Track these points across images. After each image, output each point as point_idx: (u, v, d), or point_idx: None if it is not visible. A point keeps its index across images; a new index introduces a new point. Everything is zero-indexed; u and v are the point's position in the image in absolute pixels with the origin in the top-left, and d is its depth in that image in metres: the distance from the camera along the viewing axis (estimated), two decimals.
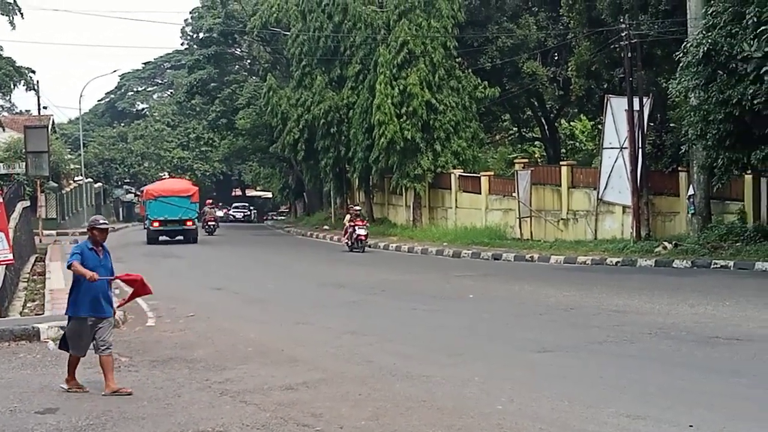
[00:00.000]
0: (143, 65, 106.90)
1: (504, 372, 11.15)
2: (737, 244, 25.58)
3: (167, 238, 43.60)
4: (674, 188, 29.93)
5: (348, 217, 37.42)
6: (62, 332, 10.84)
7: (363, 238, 35.57)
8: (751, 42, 21.45)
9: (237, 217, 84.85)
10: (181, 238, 43.97)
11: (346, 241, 36.48)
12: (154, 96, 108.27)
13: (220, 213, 76.10)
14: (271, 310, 18.44)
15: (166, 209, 43.77)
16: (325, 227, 51.62)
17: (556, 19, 41.26)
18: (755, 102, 21.25)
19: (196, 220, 45.24)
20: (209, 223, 52.78)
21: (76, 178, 68.92)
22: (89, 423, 9.09)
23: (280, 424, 8.78)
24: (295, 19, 48.11)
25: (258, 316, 17.70)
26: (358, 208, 38.92)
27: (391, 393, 10.03)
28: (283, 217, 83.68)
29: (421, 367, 11.46)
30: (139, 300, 20.01)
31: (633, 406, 9.06)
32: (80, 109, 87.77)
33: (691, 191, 27.86)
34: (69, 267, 10.63)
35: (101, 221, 11.00)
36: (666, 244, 27.35)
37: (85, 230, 11.84)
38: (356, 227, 35.50)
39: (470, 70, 42.61)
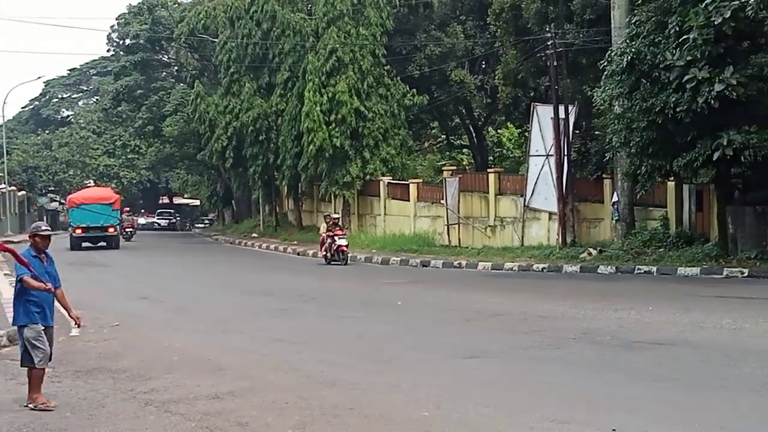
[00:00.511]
0: (68, 72, 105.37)
1: (431, 378, 11.17)
2: (660, 249, 26.02)
3: (90, 244, 45.29)
4: (599, 195, 30.34)
5: (324, 226, 34.25)
6: (23, 346, 10.37)
7: (344, 249, 32.41)
8: (674, 51, 21.83)
9: (162, 224, 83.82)
10: (103, 244, 45.59)
11: (324, 253, 33.00)
12: (80, 103, 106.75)
13: (142, 220, 76.08)
14: (198, 319, 18.27)
15: (88, 216, 45.05)
16: (254, 235, 51.40)
17: (484, 28, 41.57)
18: (677, 110, 21.62)
19: (118, 226, 47.20)
20: (127, 229, 55.26)
21: None
22: None
23: None
24: (223, 26, 47.87)
25: (184, 325, 17.53)
26: (336, 216, 35.90)
27: (318, 401, 9.99)
28: (205, 225, 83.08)
29: (349, 375, 11.45)
30: (62, 310, 19.74)
31: (557, 410, 9.14)
32: (3, 116, 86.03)
33: (615, 198, 28.26)
34: (19, 281, 10.40)
35: (43, 228, 10.87)
36: (591, 250, 27.71)
37: (27, 238, 11.61)
38: (336, 237, 32.40)
39: (399, 78, 42.76)
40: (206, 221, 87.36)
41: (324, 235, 33.34)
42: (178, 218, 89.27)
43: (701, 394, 9.73)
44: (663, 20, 22.88)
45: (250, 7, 45.68)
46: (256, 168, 47.43)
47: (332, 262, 32.31)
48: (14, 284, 10.49)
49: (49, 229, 11.05)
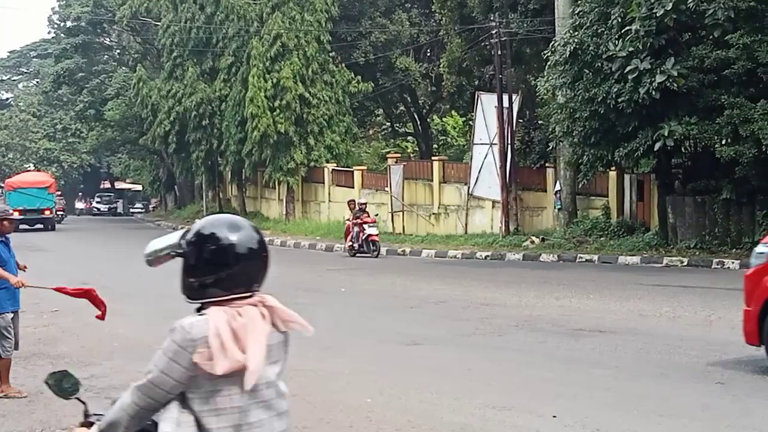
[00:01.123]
0: (8, 54, 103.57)
1: (373, 365, 11.20)
2: (601, 238, 26.30)
3: (27, 227, 45.94)
4: (542, 184, 30.58)
5: (348, 213, 30.76)
6: None
7: (375, 238, 29.06)
8: (616, 42, 22.06)
9: (101, 209, 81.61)
10: (40, 226, 47.62)
11: (350, 243, 29.53)
12: (20, 85, 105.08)
13: (81, 205, 75.24)
14: (140, 305, 18.11)
15: (24, 199, 47.32)
16: (197, 220, 51.09)
17: (429, 16, 41.69)
18: (619, 100, 21.85)
19: (53, 209, 49.95)
20: (58, 212, 56.28)
21: None
22: None
23: None
24: (166, 10, 47.39)
25: (126, 310, 17.33)
26: (363, 201, 31.20)
27: None
28: (140, 210, 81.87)
29: (292, 361, 11.39)
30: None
31: (499, 397, 9.21)
32: None
33: (557, 187, 28.51)
34: None
35: (10, 211, 10.51)
36: (533, 238, 27.92)
37: None
38: (365, 225, 29.03)
39: (344, 65, 42.71)
40: (140, 206, 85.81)
41: (349, 223, 29.84)
42: (119, 202, 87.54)
43: (641, 381, 9.86)
44: (606, 11, 23.10)
45: None
46: (199, 153, 47.11)
47: (359, 254, 29.10)
48: None
49: (13, 212, 10.72)
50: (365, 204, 30.81)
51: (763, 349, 10.06)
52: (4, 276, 9.93)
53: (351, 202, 31.23)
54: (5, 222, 10.32)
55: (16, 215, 10.51)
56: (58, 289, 10.14)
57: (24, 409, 9.27)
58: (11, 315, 10.14)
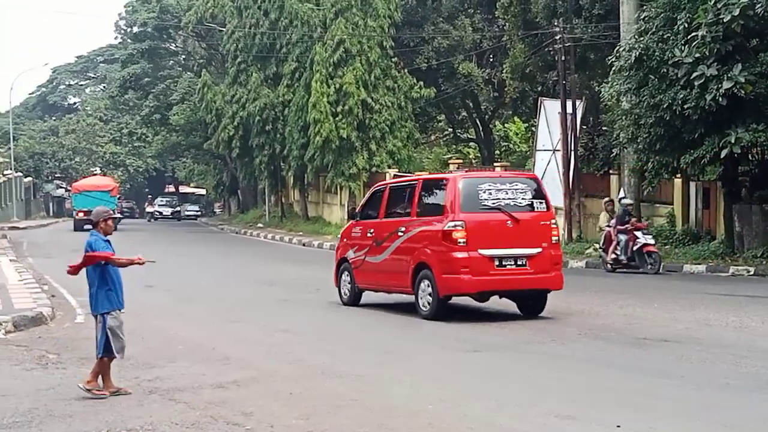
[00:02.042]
0: (76, 59, 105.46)
1: (433, 371, 11.17)
2: (666, 246, 26.00)
3: (90, 227, 46.04)
4: (605, 191, 30.30)
5: (605, 216, 25.82)
6: (105, 335, 10.09)
7: (652, 249, 23.87)
8: (682, 47, 21.81)
9: (163, 213, 78.32)
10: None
11: (613, 255, 24.57)
12: (87, 90, 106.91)
13: (151, 209, 75.42)
14: (204, 308, 18.29)
15: (89, 201, 48.33)
16: (260, 225, 51.47)
17: (492, 21, 41.59)
18: (685, 107, 21.60)
19: (114, 212, 50.65)
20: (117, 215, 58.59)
21: (5, 172, 67.72)
22: (15, 420, 8.92)
23: (210, 423, 8.70)
24: (231, 15, 47.87)
25: (190, 313, 17.56)
26: (629, 201, 25.51)
27: (321, 391, 10.01)
28: (195, 213, 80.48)
29: (353, 366, 11.45)
30: (68, 296, 19.82)
31: (561, 406, 9.14)
32: (10, 102, 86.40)
33: (621, 194, 28.21)
34: (104, 264, 10.17)
35: (111, 212, 10.78)
36: (597, 245, 27.66)
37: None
38: (637, 233, 23.99)
39: (406, 70, 42.77)
40: (196, 209, 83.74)
41: (610, 229, 24.87)
42: (182, 206, 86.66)
43: (706, 391, 9.72)
44: (672, 17, 22.85)
45: None
46: (262, 158, 47.49)
47: (625, 269, 24.38)
48: (89, 272, 10.27)
49: (117, 213, 10.96)
50: (631, 205, 25.67)
51: None
52: (120, 262, 10.13)
53: (609, 203, 26.37)
54: (109, 222, 10.50)
55: (117, 215, 10.72)
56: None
57: (90, 410, 9.39)
58: (121, 315, 10.31)
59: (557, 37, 29.71)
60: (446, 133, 58.27)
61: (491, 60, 44.67)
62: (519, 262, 15.37)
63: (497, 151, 51.98)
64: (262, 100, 45.58)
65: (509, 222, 15.21)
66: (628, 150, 26.21)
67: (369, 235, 17.50)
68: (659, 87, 22.80)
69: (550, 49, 31.15)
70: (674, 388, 9.90)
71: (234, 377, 10.82)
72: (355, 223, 18.34)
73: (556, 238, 15.93)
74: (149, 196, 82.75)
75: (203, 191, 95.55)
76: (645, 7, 24.74)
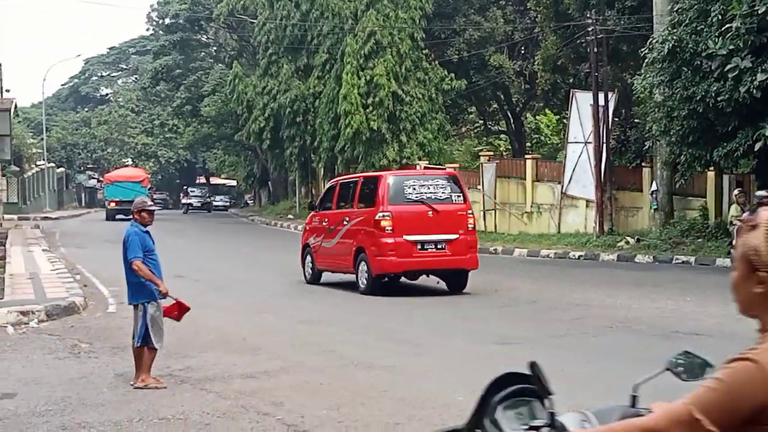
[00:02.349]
0: (108, 50, 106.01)
1: (464, 363, 11.16)
2: (698, 240, 25.79)
3: (122, 216, 47.52)
4: (637, 183, 30.13)
5: (735, 207, 21.90)
6: (144, 324, 10.12)
7: None
8: (716, 39, 21.60)
9: (193, 204, 73.67)
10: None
11: None
12: (119, 81, 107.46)
13: (186, 200, 74.47)
14: (234, 299, 18.37)
15: (120, 192, 52.19)
16: (290, 216, 51.51)
17: (524, 13, 41.40)
18: (719, 99, 21.40)
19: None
20: None
21: (38, 163, 68.28)
22: (48, 409, 9.00)
23: (241, 413, 8.74)
24: (262, 7, 47.96)
25: (220, 304, 17.62)
26: (764, 194, 20.04)
27: (352, 382, 10.02)
28: (224, 205, 77.96)
29: (382, 358, 11.46)
30: (100, 286, 19.95)
31: (593, 399, 9.07)
32: (43, 93, 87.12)
33: (654, 187, 28.05)
34: (130, 266, 10.21)
35: (149, 203, 10.77)
36: (628, 238, 27.54)
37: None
38: None
39: (437, 62, 42.69)
40: (224, 200, 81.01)
41: (743, 224, 22.28)
42: (212, 197, 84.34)
43: None
44: (705, 8, 22.63)
45: None
46: (292, 150, 47.57)
47: None
48: (126, 263, 10.33)
49: (153, 204, 10.98)
50: (767, 197, 21.75)
51: None
52: (150, 278, 10.14)
53: (740, 195, 22.59)
54: (144, 213, 10.51)
55: (154, 207, 10.73)
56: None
57: (122, 398, 9.46)
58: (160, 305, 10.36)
59: (589, 29, 29.52)
60: (477, 125, 58.13)
61: (523, 52, 44.50)
62: (438, 246, 18.14)
63: (528, 144, 51.79)
64: (292, 91, 45.67)
65: (430, 212, 17.96)
66: (661, 142, 26.04)
67: (324, 224, 20.48)
68: (692, 79, 22.60)
69: (582, 40, 30.95)
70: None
71: (264, 367, 10.86)
72: (315, 214, 21.47)
73: (472, 225, 18.62)
74: (184, 187, 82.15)
75: (234, 182, 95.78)
76: None
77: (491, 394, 3.00)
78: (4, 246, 30.14)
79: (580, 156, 31.07)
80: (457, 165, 40.94)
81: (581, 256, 26.80)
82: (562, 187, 31.98)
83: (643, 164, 29.95)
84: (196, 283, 21.10)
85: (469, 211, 18.78)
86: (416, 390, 9.67)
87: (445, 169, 25.53)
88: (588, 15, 30.05)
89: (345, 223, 19.31)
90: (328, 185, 22.81)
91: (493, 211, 34.91)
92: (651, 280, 20.19)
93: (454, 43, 42.74)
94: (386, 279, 18.65)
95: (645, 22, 28.63)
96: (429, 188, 18.24)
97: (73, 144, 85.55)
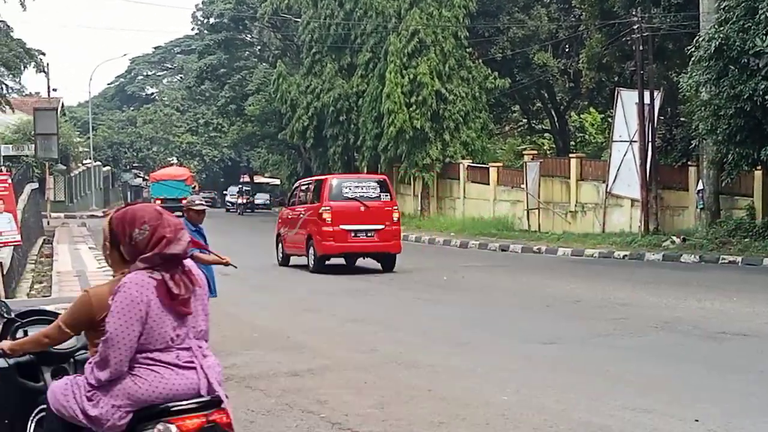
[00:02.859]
0: (153, 50, 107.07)
1: (509, 363, 11.13)
2: (745, 239, 25.52)
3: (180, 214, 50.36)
4: (683, 183, 29.87)
5: None
6: None
7: None
8: (764, 37, 21.38)
9: (235, 203, 72.05)
10: (179, 214, 52.11)
11: None
12: (164, 81, 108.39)
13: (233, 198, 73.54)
14: (278, 297, 18.48)
15: (165, 190, 56.23)
16: None
17: (568, 11, 41.19)
18: (766, 97, 21.18)
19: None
20: None
21: (84, 161, 68.99)
22: None
23: (285, 411, 8.78)
24: (306, 6, 48.08)
25: (265, 302, 17.74)
26: None
27: (395, 381, 10.03)
28: (265, 204, 75.22)
29: (426, 357, 11.46)
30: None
31: (638, 399, 9.03)
32: (90, 93, 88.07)
33: (700, 186, 27.79)
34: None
35: (197, 202, 10.79)
36: (674, 238, 27.30)
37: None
38: None
39: (481, 61, 42.57)
40: (265, 198, 78.69)
41: None
42: (255, 196, 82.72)
43: None
44: (753, 5, 22.39)
45: None
46: (336, 148, 47.65)
47: None
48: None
49: (203, 203, 11.00)
50: None
51: None
52: (215, 260, 10.14)
53: None
54: (191, 212, 10.55)
55: (203, 206, 10.73)
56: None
57: None
58: None
59: (635, 27, 29.30)
60: (521, 123, 57.91)
61: (567, 50, 44.27)
62: (368, 234, 22.73)
63: (572, 142, 51.52)
64: (336, 90, 45.75)
65: (362, 207, 22.60)
66: (707, 141, 25.80)
67: (289, 217, 25.08)
68: (740, 77, 22.38)
69: (628, 38, 30.74)
70: (753, 383, 9.73)
71: (308, 366, 10.90)
72: (285, 209, 26.16)
73: (396, 218, 23.30)
74: (240, 185, 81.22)
75: (277, 181, 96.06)
76: None
77: None
78: (51, 244, 30.52)
79: (625, 155, 30.87)
80: (500, 164, 40.85)
81: (626, 255, 26.61)
82: (607, 186, 31.79)
83: (689, 163, 29.69)
84: (241, 281, 21.21)
85: (395, 207, 23.38)
86: (460, 389, 9.66)
87: (383, 174, 31.84)
88: (633, 13, 29.83)
89: (301, 216, 23.93)
90: (294, 186, 28.22)
91: (537, 210, 34.77)
92: (697, 280, 20.01)
93: (498, 42, 42.62)
94: (329, 259, 23.15)
95: (691, 20, 28.38)
96: (363, 189, 22.99)
97: (119, 143, 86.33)
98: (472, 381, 10.08)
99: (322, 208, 22.54)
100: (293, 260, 24.77)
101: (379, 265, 23.63)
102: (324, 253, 22.77)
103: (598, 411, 8.64)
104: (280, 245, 25.55)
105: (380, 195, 23.09)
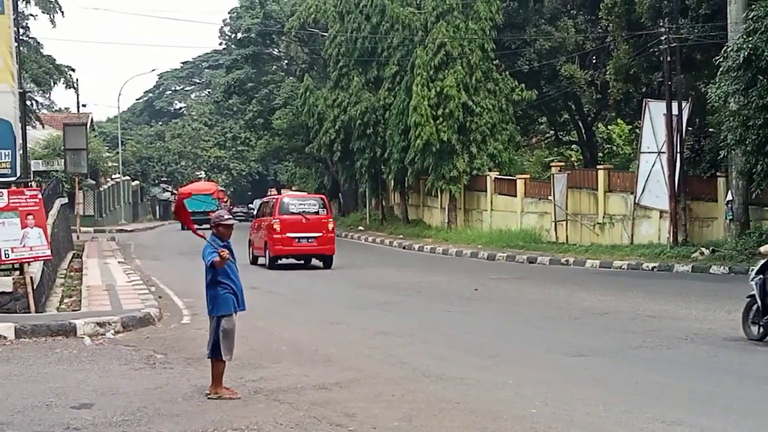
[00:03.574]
0: (181, 64, 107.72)
1: (538, 375, 11.10)
2: None
3: (197, 226, 51.36)
4: (712, 194, 29.66)
5: None
6: (216, 337, 10.30)
7: None
8: None
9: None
10: (206, 226, 55.63)
11: None
12: (192, 95, 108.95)
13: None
14: (306, 310, 18.50)
15: (193, 204, 53.93)
16: (360, 228, 51.72)
17: (595, 22, 41.05)
18: None
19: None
20: None
21: (113, 176, 69.46)
22: (124, 419, 9.15)
23: (314, 424, 8.80)
24: (333, 20, 48.21)
25: (292, 315, 17.77)
26: None
27: (424, 394, 10.02)
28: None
29: (455, 369, 11.44)
30: (174, 297, 20.23)
31: (668, 411, 8.99)
32: (119, 108, 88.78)
33: (729, 197, 27.59)
34: (211, 266, 10.34)
35: (226, 217, 10.86)
36: (703, 249, 27.11)
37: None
38: None
39: (507, 73, 42.49)
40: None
41: None
42: None
43: None
44: None
45: (360, 1, 45.91)
46: (363, 161, 47.69)
47: None
48: (205, 273, 10.50)
49: (231, 218, 11.07)
50: None
51: None
52: (220, 262, 10.19)
53: None
54: (220, 227, 10.61)
55: (231, 221, 10.77)
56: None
57: (197, 409, 9.58)
58: (235, 318, 10.49)
59: (662, 38, 29.17)
60: (548, 135, 57.71)
61: (594, 61, 44.12)
62: (309, 240, 28.14)
63: (600, 154, 51.30)
64: (363, 103, 45.80)
65: (303, 220, 28.04)
66: (736, 152, 25.61)
67: (256, 226, 30.67)
68: None
69: (655, 49, 30.60)
70: None
71: (336, 378, 10.91)
72: (255, 220, 32.11)
73: (331, 227, 28.70)
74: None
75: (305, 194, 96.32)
76: (753, 6, 24.12)
77: None
78: (81, 258, 30.71)
79: (653, 166, 30.70)
80: (527, 176, 40.75)
81: (655, 267, 26.46)
82: (635, 197, 31.63)
83: (717, 174, 29.49)
84: (269, 295, 21.31)
85: (330, 219, 28.96)
86: (489, 402, 9.64)
87: (322, 194, 40.13)
88: (661, 23, 29.71)
89: (263, 226, 29.30)
90: (260, 201, 38.10)
91: (565, 222, 34.63)
92: (726, 292, 19.86)
93: (525, 54, 42.54)
94: (281, 259, 28.51)
95: (719, 30, 28.22)
96: (305, 205, 29.09)
97: (147, 157, 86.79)
98: (502, 394, 10.06)
99: (274, 220, 28.20)
100: (260, 260, 29.74)
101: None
102: (275, 255, 28.48)
103: (628, 424, 8.60)
104: (250, 248, 30.94)
105: (318, 210, 28.93)
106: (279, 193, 71.06)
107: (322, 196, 32.01)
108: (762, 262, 13.38)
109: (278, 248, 28.26)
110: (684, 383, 10.44)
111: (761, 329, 13.02)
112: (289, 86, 61.63)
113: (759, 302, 13.11)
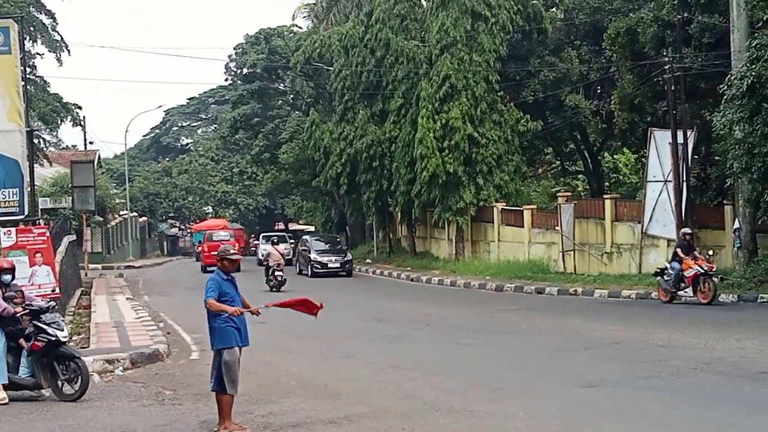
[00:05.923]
0: (188, 101, 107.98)
1: (548, 407, 11.06)
2: None
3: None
4: (719, 222, 29.63)
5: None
6: (219, 370, 10.40)
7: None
8: None
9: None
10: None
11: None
12: (199, 131, 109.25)
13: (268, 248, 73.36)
14: (314, 343, 18.47)
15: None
16: (368, 260, 51.65)
17: (599, 53, 41.19)
18: None
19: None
20: None
21: (121, 213, 69.60)
22: None
23: None
24: (338, 55, 48.43)
25: (300, 349, 17.74)
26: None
27: (434, 428, 9.99)
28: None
29: (465, 402, 11.41)
30: (182, 333, 20.24)
31: None
32: (126, 144, 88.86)
33: (736, 225, 27.57)
34: (205, 304, 10.39)
35: (231, 251, 10.91)
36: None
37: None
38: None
39: (512, 104, 42.60)
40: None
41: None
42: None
43: None
44: None
45: (365, 35, 46.16)
46: (369, 194, 47.72)
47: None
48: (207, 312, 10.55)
49: (237, 252, 11.13)
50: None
51: None
52: (220, 308, 10.28)
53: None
54: (225, 261, 10.67)
55: (236, 256, 10.85)
56: (280, 304, 10.70)
57: None
58: (238, 352, 10.51)
59: (666, 67, 29.27)
60: (554, 165, 57.74)
61: (599, 91, 44.21)
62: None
63: (606, 183, 51.29)
64: (369, 136, 45.88)
65: (222, 243, 31.59)
66: (743, 180, 25.62)
67: (201, 247, 46.63)
68: None
69: (659, 79, 30.70)
70: None
71: (346, 413, 10.89)
72: (200, 243, 47.80)
73: (237, 248, 31.13)
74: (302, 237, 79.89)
75: (312, 228, 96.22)
76: (756, 34, 24.23)
77: None
78: (89, 295, 30.74)
79: (659, 195, 30.70)
80: (534, 206, 40.76)
81: None
82: (642, 226, 31.60)
83: (724, 202, 29.48)
84: (278, 329, 21.24)
85: (236, 245, 29.96)
86: None
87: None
88: (664, 53, 29.82)
89: (203, 247, 45.90)
90: (206, 234, 53.64)
91: (572, 252, 34.59)
92: (735, 320, 19.82)
93: (530, 84, 42.66)
94: (210, 268, 32.36)
95: (723, 59, 28.31)
96: (223, 236, 45.70)
97: (154, 193, 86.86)
98: (511, 426, 10.03)
99: (204, 245, 45.20)
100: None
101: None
102: (206, 264, 43.36)
103: None
104: (200, 261, 47.93)
105: (230, 238, 46.89)
106: (286, 227, 75.59)
107: (238, 230, 45.56)
108: None
109: (208, 261, 42.10)
110: (694, 413, 10.40)
111: None
112: (295, 120, 61.80)
113: None
